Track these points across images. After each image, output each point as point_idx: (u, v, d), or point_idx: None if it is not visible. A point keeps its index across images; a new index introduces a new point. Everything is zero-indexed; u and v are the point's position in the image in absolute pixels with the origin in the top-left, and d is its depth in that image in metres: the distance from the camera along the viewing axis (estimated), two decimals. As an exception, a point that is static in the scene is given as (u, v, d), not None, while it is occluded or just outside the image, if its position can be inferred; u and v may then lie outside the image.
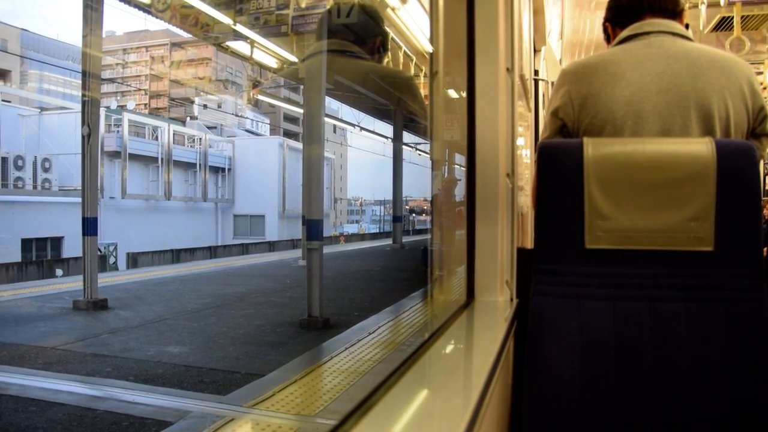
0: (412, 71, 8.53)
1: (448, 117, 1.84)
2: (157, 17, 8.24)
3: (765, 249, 1.39)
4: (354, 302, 6.24)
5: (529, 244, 2.38)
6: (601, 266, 1.36)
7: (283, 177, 24.58)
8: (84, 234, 6.07)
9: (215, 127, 32.03)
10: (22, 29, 38.37)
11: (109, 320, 5.29)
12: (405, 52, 8.33)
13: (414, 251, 12.56)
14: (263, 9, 7.56)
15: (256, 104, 38.92)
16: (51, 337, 4.60)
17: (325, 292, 5.11)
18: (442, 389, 1.01)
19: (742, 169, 1.33)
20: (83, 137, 6.06)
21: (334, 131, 33.81)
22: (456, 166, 1.98)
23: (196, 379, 3.52)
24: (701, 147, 1.33)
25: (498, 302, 1.58)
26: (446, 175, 2.04)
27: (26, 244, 17.31)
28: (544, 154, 1.43)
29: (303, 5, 7.51)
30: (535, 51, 4.07)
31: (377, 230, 36.59)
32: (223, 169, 26.24)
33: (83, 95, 6.28)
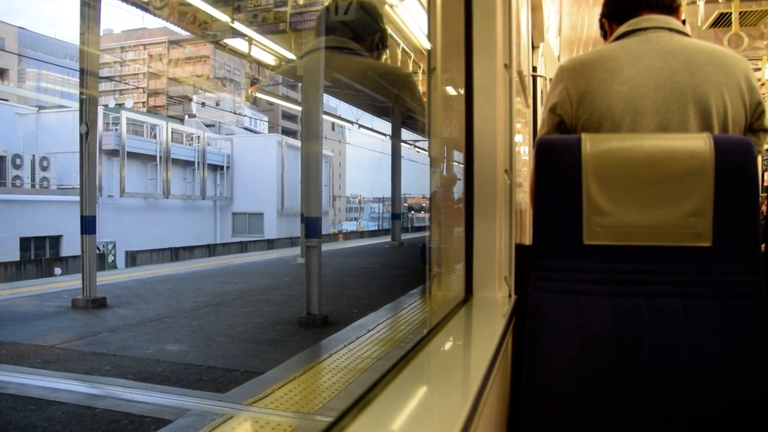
0: (411, 68, 8.52)
1: (446, 114, 1.84)
2: (154, 15, 8.22)
3: (763, 244, 1.39)
4: (353, 299, 6.23)
5: (528, 240, 2.38)
6: (600, 262, 1.36)
7: (281, 175, 24.57)
8: (82, 232, 6.06)
9: (213, 125, 31.99)
10: (20, 27, 38.29)
11: (108, 318, 5.29)
12: (403, 49, 8.32)
13: (413, 248, 12.54)
14: (261, 6, 7.55)
15: (254, 102, 38.87)
16: (50, 336, 4.59)
17: (323, 290, 5.11)
18: (440, 385, 1.01)
19: (739, 164, 1.34)
20: (81, 135, 6.04)
21: (333, 129, 33.81)
22: (454, 163, 1.98)
23: (195, 377, 3.52)
24: (699, 143, 1.33)
25: (496, 298, 1.58)
26: (445, 172, 2.04)
27: (25, 242, 17.30)
28: (542, 150, 1.43)
29: (301, 2, 7.49)
30: (533, 47, 4.07)
31: (376, 228, 36.59)
32: (222, 167, 26.23)
33: (81, 93, 6.26)
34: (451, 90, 1.87)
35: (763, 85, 5.40)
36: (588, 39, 6.00)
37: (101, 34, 7.12)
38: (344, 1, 2.16)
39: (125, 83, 49.79)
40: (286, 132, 36.06)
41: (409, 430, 0.78)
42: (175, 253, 17.74)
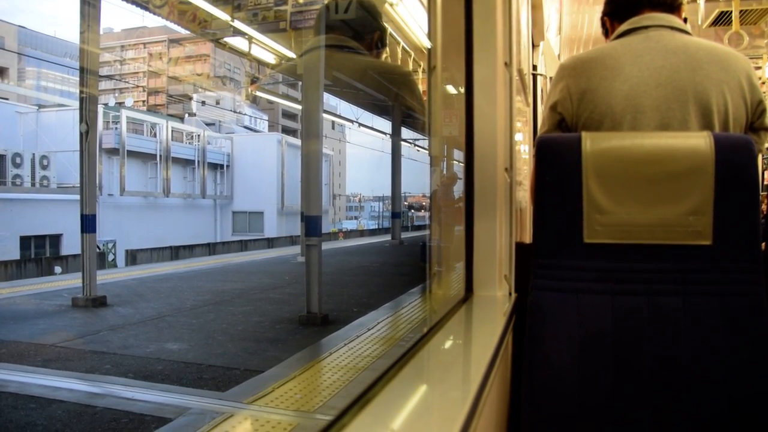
0: (411, 66, 8.52)
1: (446, 112, 1.84)
2: (154, 14, 8.22)
3: (763, 243, 1.39)
4: (353, 298, 6.23)
5: (528, 238, 2.38)
6: (600, 260, 1.36)
7: (281, 173, 24.58)
8: (83, 231, 6.06)
9: (214, 124, 32.01)
10: (20, 26, 38.30)
11: (108, 317, 5.29)
12: (403, 48, 8.32)
13: (413, 247, 12.54)
14: (261, 5, 7.54)
15: (254, 101, 38.89)
16: (50, 334, 4.59)
17: (324, 289, 5.11)
18: (440, 383, 1.01)
19: (740, 163, 1.33)
20: (81, 134, 6.04)
21: (333, 127, 33.80)
22: (455, 161, 1.98)
23: (195, 375, 3.52)
24: (699, 141, 1.33)
25: (497, 297, 1.58)
26: (445, 170, 2.04)
27: (25, 241, 17.31)
28: (543, 148, 1.43)
29: (301, 1, 7.49)
30: (533, 46, 4.07)
31: (376, 226, 36.58)
32: (222, 166, 26.25)
33: (81, 92, 6.26)
34: (451, 88, 1.87)
35: (763, 83, 5.39)
36: (588, 37, 6.00)
37: (101, 32, 7.11)
38: (344, -1, 2.16)
39: (125, 82, 49.78)
40: (286, 131, 36.07)
41: (410, 428, 0.77)
42: (175, 252, 17.74)
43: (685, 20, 1.64)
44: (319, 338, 4.37)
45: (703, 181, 1.32)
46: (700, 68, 1.48)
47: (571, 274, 1.37)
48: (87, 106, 6.08)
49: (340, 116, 17.41)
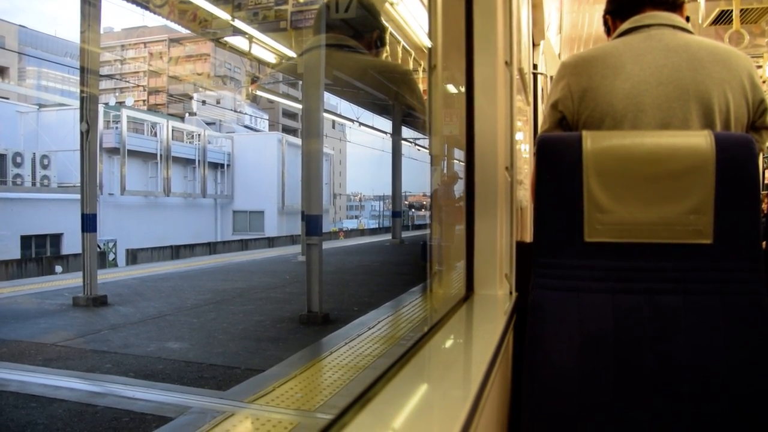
0: (411, 66, 8.51)
1: (447, 111, 1.84)
2: (155, 13, 8.22)
3: (764, 241, 1.39)
4: (353, 297, 6.23)
5: (529, 237, 2.38)
6: (601, 259, 1.36)
7: (282, 173, 24.58)
8: (83, 230, 6.06)
9: (214, 123, 32.00)
10: (20, 26, 38.29)
11: (109, 316, 5.29)
12: (404, 47, 8.32)
13: (413, 246, 12.54)
14: (262, 4, 7.54)
15: (254, 100, 38.89)
16: (51, 334, 4.59)
17: (324, 288, 5.11)
18: (441, 382, 1.01)
19: (741, 161, 1.33)
20: (82, 134, 6.04)
21: (333, 127, 33.79)
22: (455, 161, 1.98)
23: (196, 374, 3.52)
24: (700, 140, 1.33)
25: (497, 296, 1.58)
26: (445, 170, 2.04)
27: (25, 241, 17.32)
28: (543, 147, 1.43)
29: (302, 0, 7.49)
30: (533, 45, 4.07)
31: (376, 226, 36.60)
32: (222, 165, 26.25)
33: (81, 92, 6.26)
34: (451, 88, 1.87)
35: (765, 82, 5.39)
36: (588, 36, 6.00)
37: (101, 32, 7.10)
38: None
39: (126, 81, 49.78)
40: (287, 130, 36.07)
41: (411, 427, 0.78)
42: (176, 251, 17.75)
43: (688, 19, 1.64)
44: (319, 337, 4.37)
45: (704, 180, 1.32)
46: (701, 67, 1.48)
47: (571, 272, 1.37)
48: (87, 105, 6.08)
49: (340, 115, 17.40)
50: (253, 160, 25.82)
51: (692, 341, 1.30)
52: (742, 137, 1.39)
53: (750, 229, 1.34)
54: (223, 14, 7.64)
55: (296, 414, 2.49)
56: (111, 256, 17.35)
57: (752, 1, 4.41)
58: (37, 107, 21.92)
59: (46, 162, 19.44)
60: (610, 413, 1.31)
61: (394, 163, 12.65)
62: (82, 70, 6.18)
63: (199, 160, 24.95)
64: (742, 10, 4.33)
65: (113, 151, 20.81)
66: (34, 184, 19.01)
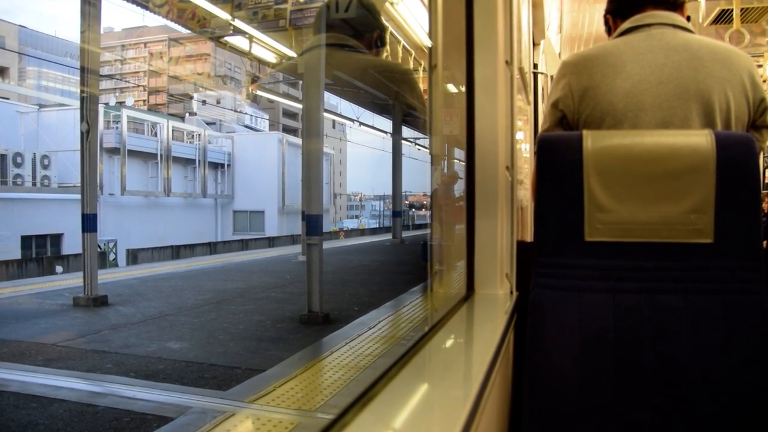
0: (411, 65, 8.51)
1: (447, 111, 1.84)
2: (154, 13, 8.21)
3: (764, 241, 1.38)
4: (354, 297, 6.24)
5: (529, 237, 2.38)
6: (601, 259, 1.36)
7: (282, 173, 24.58)
8: (83, 231, 6.06)
9: (214, 123, 32.00)
10: (21, 26, 38.32)
11: (110, 316, 5.29)
12: (404, 46, 8.32)
13: (414, 246, 12.55)
14: (261, 3, 7.54)
15: (254, 100, 38.90)
16: (51, 334, 4.60)
17: (325, 288, 5.12)
18: (442, 381, 1.01)
19: (741, 161, 1.33)
20: (82, 134, 6.04)
21: (333, 126, 33.79)
22: (456, 160, 1.98)
23: (196, 374, 3.52)
24: (701, 139, 1.33)
25: (498, 295, 1.58)
26: (446, 169, 2.04)
27: (26, 241, 17.32)
28: (544, 147, 1.43)
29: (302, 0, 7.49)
30: (534, 44, 4.07)
31: (377, 225, 36.60)
32: (223, 165, 26.25)
33: (82, 92, 6.26)
34: (452, 87, 1.87)
35: (765, 81, 5.39)
36: (589, 36, 6.00)
37: (102, 32, 7.10)
38: (344, -2, 2.16)
39: (126, 81, 49.78)
40: (287, 130, 36.07)
41: (411, 427, 0.78)
42: (176, 251, 17.76)
43: (688, 18, 1.64)
44: (320, 337, 4.37)
45: (705, 179, 1.31)
46: (702, 66, 1.48)
47: (572, 272, 1.37)
48: (88, 105, 6.09)
49: (340, 115, 17.41)
50: (253, 159, 25.82)
51: (693, 341, 1.30)
52: (742, 136, 1.39)
53: (750, 228, 1.34)
54: (222, 13, 7.64)
55: (297, 414, 2.49)
56: (111, 256, 17.36)
57: (752, 1, 4.41)
58: (38, 107, 21.93)
59: (46, 162, 19.45)
60: (611, 413, 1.31)
61: (394, 162, 12.65)
62: (83, 70, 6.19)
63: (199, 160, 24.96)
64: (742, 9, 4.33)
65: (113, 151, 20.82)
66: (34, 184, 19.02)
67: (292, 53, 8.03)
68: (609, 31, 1.76)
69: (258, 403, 2.65)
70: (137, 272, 9.27)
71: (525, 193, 2.57)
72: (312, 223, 5.32)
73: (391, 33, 7.34)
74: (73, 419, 2.78)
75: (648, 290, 1.33)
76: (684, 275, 1.33)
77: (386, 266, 10.19)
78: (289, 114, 44.76)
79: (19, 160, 18.62)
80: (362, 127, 17.24)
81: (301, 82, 5.71)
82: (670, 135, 1.40)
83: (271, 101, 35.93)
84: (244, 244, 19.57)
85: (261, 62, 9.83)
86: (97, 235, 6.30)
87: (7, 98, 22.44)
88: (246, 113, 36.64)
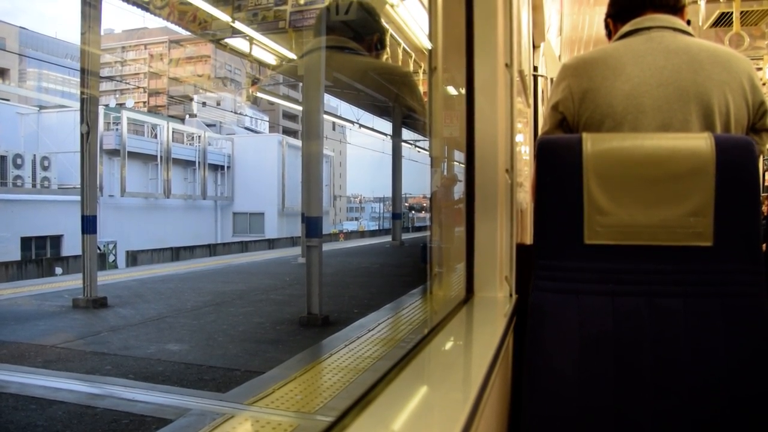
0: (411, 67, 8.51)
1: (447, 113, 1.84)
2: (155, 14, 8.23)
3: (764, 244, 1.38)
4: (353, 299, 6.23)
5: (529, 239, 2.38)
6: (601, 262, 1.36)
7: (282, 174, 24.58)
8: (83, 232, 6.07)
9: (214, 125, 32.01)
10: (21, 27, 38.32)
11: (109, 318, 5.29)
12: (404, 49, 8.32)
13: (413, 248, 12.55)
14: (261, 5, 7.55)
15: (255, 102, 38.90)
16: (51, 335, 4.60)
17: (324, 290, 5.12)
18: (441, 384, 1.01)
19: (741, 164, 1.33)
20: (82, 135, 6.05)
21: (333, 128, 33.79)
22: (455, 163, 1.98)
23: (195, 376, 3.52)
24: (700, 142, 1.33)
25: (497, 298, 1.58)
26: (445, 172, 2.04)
27: (25, 242, 17.32)
28: (543, 149, 1.43)
29: (302, 1, 7.49)
30: (534, 47, 4.07)
31: (376, 227, 36.60)
32: (223, 167, 26.25)
33: (82, 93, 6.27)
34: (451, 89, 1.87)
35: (765, 84, 5.39)
36: (589, 38, 6.00)
37: (102, 33, 7.11)
38: (344, 0, 2.16)
39: (126, 83, 49.79)
40: (287, 132, 36.07)
41: (411, 429, 0.77)
42: (176, 253, 17.75)
43: (689, 22, 1.64)
44: (319, 339, 4.37)
45: (704, 183, 1.31)
46: (701, 69, 1.48)
47: (571, 275, 1.37)
48: (88, 107, 6.10)
49: (340, 117, 17.41)
50: (253, 161, 25.82)
51: (692, 344, 1.30)
52: (742, 139, 1.39)
53: (750, 231, 1.34)
54: (222, 15, 7.64)
55: (296, 416, 2.49)
56: (111, 258, 17.35)
57: (752, 4, 4.41)
58: (38, 109, 21.94)
59: (46, 164, 19.45)
60: (610, 416, 1.31)
61: (394, 164, 12.65)
62: (83, 71, 6.20)
63: (199, 162, 24.96)
64: (742, 12, 4.34)
65: (113, 152, 20.83)
66: (34, 185, 19.02)
67: (292, 55, 8.04)
68: (609, 34, 1.76)
69: (257, 405, 2.65)
70: (137, 274, 9.27)
71: (525, 196, 2.57)
72: (312, 225, 5.32)
73: (391, 35, 7.34)
74: (72, 421, 2.78)
75: (647, 293, 1.33)
76: (683, 278, 1.33)
77: (386, 268, 10.20)
78: (289, 116, 44.79)
79: (19, 161, 18.62)
80: (362, 129, 17.24)
81: (301, 84, 5.72)
82: (670, 138, 1.40)
83: (271, 103, 35.96)
84: (243, 246, 19.56)
85: (261, 64, 9.84)
86: (97, 237, 6.30)
87: (8, 100, 22.44)
88: (246, 115, 36.65)
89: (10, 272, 13.14)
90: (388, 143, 14.35)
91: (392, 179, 12.81)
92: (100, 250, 11.02)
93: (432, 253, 1.83)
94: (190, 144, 25.71)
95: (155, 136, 23.48)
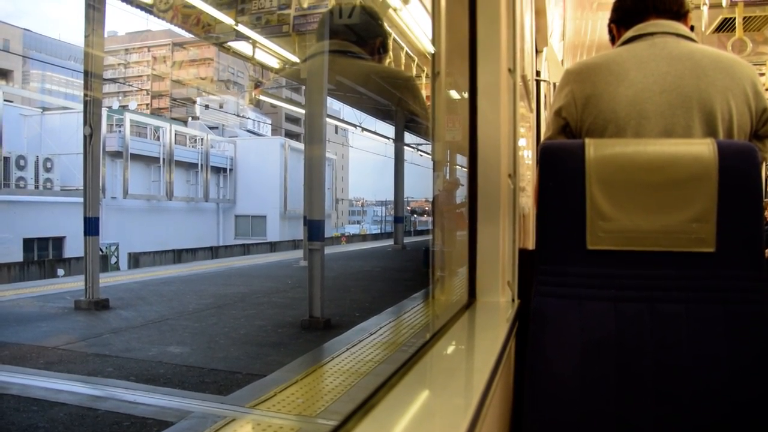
0: (414, 72, 8.52)
1: (450, 117, 1.84)
2: (159, 17, 8.25)
3: (766, 250, 1.38)
4: (355, 303, 6.23)
5: (531, 245, 2.38)
6: (603, 267, 1.36)
7: (284, 177, 24.58)
8: (85, 234, 6.08)
9: (217, 128, 32.04)
10: (25, 29, 38.44)
11: (111, 320, 5.30)
12: (407, 53, 8.33)
13: (415, 252, 12.56)
14: (265, 9, 7.57)
15: (257, 105, 38.94)
16: (52, 337, 4.60)
17: (326, 293, 5.12)
18: (443, 389, 1.01)
19: (743, 170, 1.33)
20: (85, 137, 6.06)
21: (336, 132, 33.84)
22: (458, 167, 1.98)
23: (197, 379, 3.52)
24: (703, 148, 1.33)
25: (499, 303, 1.58)
26: (448, 176, 2.04)
27: (28, 243, 17.33)
28: (546, 155, 1.43)
29: (305, 5, 7.51)
30: (537, 52, 4.07)
31: (378, 231, 36.58)
32: (225, 170, 26.26)
33: (85, 95, 6.28)
34: (454, 94, 1.88)
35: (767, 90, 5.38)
36: (591, 44, 6.01)
37: (105, 36, 7.13)
38: (348, 4, 2.17)
39: (129, 85, 49.89)
40: (290, 135, 36.13)
41: (413, 435, 0.77)
42: (178, 255, 17.75)
43: (692, 28, 1.64)
44: (321, 343, 4.37)
45: (707, 189, 1.31)
46: (704, 75, 1.48)
47: (574, 280, 1.37)
48: (91, 109, 6.11)
49: (343, 121, 17.43)
50: (255, 164, 25.83)
51: (694, 349, 1.30)
52: (744, 145, 1.39)
53: (752, 237, 1.34)
54: (226, 19, 7.66)
55: (297, 420, 2.49)
56: (113, 260, 17.36)
57: (755, 9, 4.41)
58: (41, 110, 21.98)
59: (49, 165, 19.47)
60: (612, 421, 1.31)
61: (396, 168, 12.66)
62: (86, 73, 6.21)
63: (201, 164, 24.97)
64: (745, 17, 4.34)
65: (116, 154, 20.83)
66: (37, 187, 19.04)
67: (295, 59, 8.05)
68: (613, 40, 1.76)
69: (259, 409, 2.65)
70: (139, 276, 9.28)
71: (527, 201, 2.58)
72: (314, 228, 5.32)
73: (394, 39, 7.36)
74: (73, 423, 2.78)
75: (649, 299, 1.33)
76: (686, 284, 1.33)
77: (388, 272, 10.19)
78: (292, 119, 44.82)
79: (22, 162, 18.65)
80: (365, 132, 17.26)
81: (303, 87, 5.73)
82: (673, 144, 1.41)
83: (274, 106, 36.00)
84: (245, 249, 19.56)
85: (264, 67, 9.86)
86: (99, 239, 6.31)
87: (11, 101, 22.49)
88: (249, 118, 36.69)
89: (13, 273, 13.16)
90: (391, 147, 14.36)
91: (394, 183, 12.83)
92: (102, 251, 11.03)
93: (434, 257, 1.83)
94: (192, 146, 25.73)
95: (158, 139, 23.50)
